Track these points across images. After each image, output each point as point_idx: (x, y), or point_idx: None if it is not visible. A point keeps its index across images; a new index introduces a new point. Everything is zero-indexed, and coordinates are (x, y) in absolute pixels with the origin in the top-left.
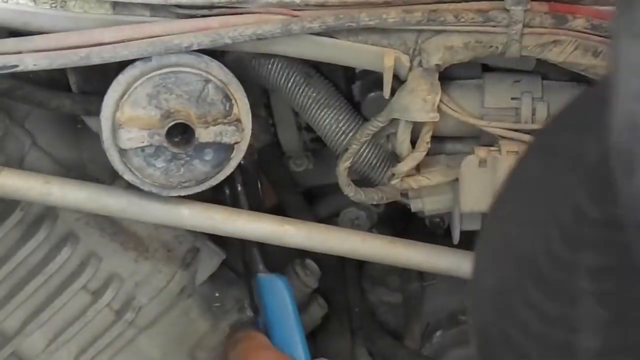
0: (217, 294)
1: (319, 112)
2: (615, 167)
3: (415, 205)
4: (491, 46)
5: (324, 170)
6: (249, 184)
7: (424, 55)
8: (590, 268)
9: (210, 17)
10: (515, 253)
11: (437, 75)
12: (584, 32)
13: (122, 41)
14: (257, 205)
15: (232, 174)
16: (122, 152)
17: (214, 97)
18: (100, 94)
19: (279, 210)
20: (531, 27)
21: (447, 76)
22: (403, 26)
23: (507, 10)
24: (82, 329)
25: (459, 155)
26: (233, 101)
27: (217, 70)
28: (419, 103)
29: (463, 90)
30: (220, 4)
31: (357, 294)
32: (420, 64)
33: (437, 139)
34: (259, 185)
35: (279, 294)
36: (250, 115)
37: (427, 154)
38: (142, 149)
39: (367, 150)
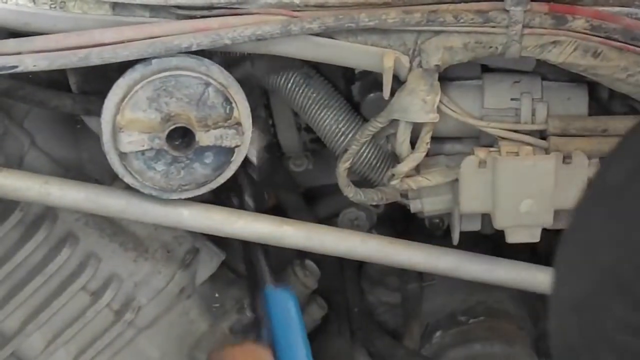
0: (216, 295)
1: (318, 112)
2: None
3: (414, 206)
4: (491, 47)
5: (324, 171)
6: (257, 195)
7: (424, 55)
8: None
9: (209, 18)
10: (599, 265)
11: (436, 76)
12: (584, 33)
13: (122, 42)
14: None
15: (240, 184)
16: (123, 155)
17: (214, 100)
18: (100, 94)
19: (278, 210)
20: (531, 27)
21: (446, 77)
22: (403, 27)
23: (507, 11)
24: (81, 330)
25: (458, 155)
26: (233, 104)
27: (218, 74)
28: (418, 104)
29: (462, 91)
30: (219, 5)
31: (356, 295)
32: (420, 65)
33: (436, 139)
34: (265, 197)
35: (287, 308)
36: (250, 119)
37: (427, 155)
38: (143, 152)
39: (366, 151)
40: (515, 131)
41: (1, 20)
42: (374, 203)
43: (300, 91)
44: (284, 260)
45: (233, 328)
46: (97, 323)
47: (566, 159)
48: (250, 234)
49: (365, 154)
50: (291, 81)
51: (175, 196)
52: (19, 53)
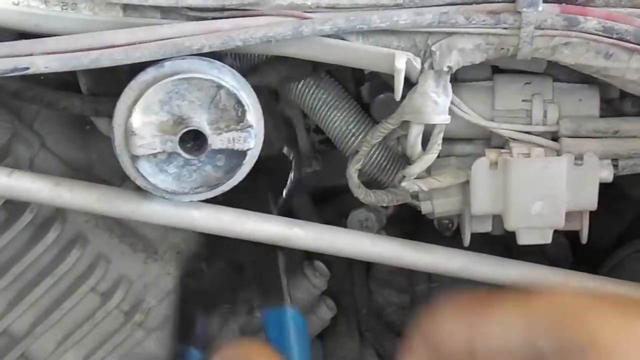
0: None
1: (328, 113)
2: None
3: (425, 207)
4: (502, 48)
5: (333, 172)
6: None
7: (435, 57)
8: None
9: (221, 20)
10: None
11: (448, 78)
12: (596, 34)
13: (134, 43)
14: None
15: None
16: (135, 158)
17: (226, 103)
18: (109, 95)
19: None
20: (542, 29)
21: (457, 78)
22: (414, 28)
23: (519, 13)
24: (91, 331)
25: (469, 157)
26: (245, 107)
27: (230, 76)
28: (430, 105)
29: (473, 93)
30: (231, 6)
31: (364, 296)
32: (431, 66)
33: (447, 140)
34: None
35: (299, 329)
36: (262, 121)
37: (438, 156)
38: (155, 155)
39: (377, 152)
40: (527, 132)
41: (12, 22)
42: (385, 204)
43: (310, 92)
44: (292, 261)
45: (243, 329)
46: (106, 324)
47: (577, 160)
48: (260, 235)
49: (375, 156)
50: (301, 82)
51: (187, 199)
52: (31, 54)
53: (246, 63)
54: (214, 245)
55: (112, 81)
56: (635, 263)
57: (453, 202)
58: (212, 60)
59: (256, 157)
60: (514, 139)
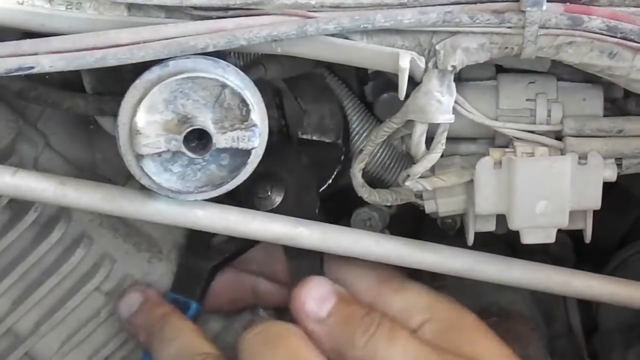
0: None
1: None
2: None
3: (429, 207)
4: (506, 47)
5: None
6: None
7: (439, 56)
8: None
9: (225, 19)
10: None
11: (452, 77)
12: (600, 34)
13: (138, 43)
14: None
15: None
16: (139, 157)
17: (230, 102)
18: (114, 94)
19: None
20: (547, 28)
21: (461, 77)
22: (418, 27)
23: (523, 12)
24: (95, 330)
25: (473, 156)
26: (250, 106)
27: (234, 75)
28: (434, 104)
29: (477, 92)
30: (235, 6)
31: None
32: (435, 66)
33: (451, 140)
34: None
35: None
36: (267, 121)
37: (442, 155)
38: (159, 154)
39: (380, 152)
40: (531, 132)
41: (17, 21)
42: (389, 204)
43: None
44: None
45: (246, 328)
46: (111, 323)
47: (582, 159)
48: (265, 234)
49: (379, 155)
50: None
51: (191, 198)
52: (36, 54)
53: (249, 61)
54: None
55: (117, 80)
56: (639, 263)
57: (457, 201)
58: (216, 59)
59: (260, 156)
60: (518, 138)
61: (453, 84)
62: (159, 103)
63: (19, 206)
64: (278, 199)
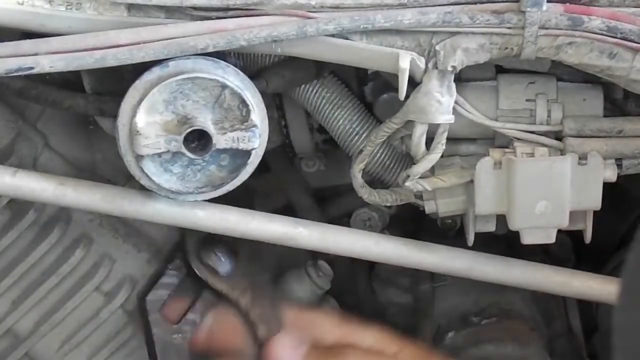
0: None
1: (332, 112)
2: None
3: (429, 207)
4: (506, 48)
5: (336, 172)
6: None
7: (439, 56)
8: None
9: (225, 19)
10: None
11: (452, 77)
12: (600, 34)
13: (138, 43)
14: None
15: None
16: (139, 157)
17: (230, 102)
18: (114, 94)
19: (288, 210)
20: (546, 28)
21: (461, 78)
22: (418, 28)
23: (523, 12)
24: (95, 330)
25: (473, 156)
26: (250, 107)
27: (234, 76)
28: (434, 105)
29: (477, 92)
30: (235, 6)
31: (367, 295)
32: (435, 66)
33: (451, 140)
34: None
35: None
36: (266, 121)
37: (442, 156)
38: (159, 154)
39: (380, 152)
40: (531, 132)
41: (17, 22)
42: (388, 204)
43: (314, 92)
44: (296, 260)
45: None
46: (111, 324)
47: (581, 160)
48: (265, 234)
49: (379, 155)
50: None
51: (191, 198)
52: (36, 54)
53: (249, 62)
54: None
55: (117, 81)
56: None
57: (457, 201)
58: (216, 60)
59: (260, 157)
60: (518, 139)
61: (453, 85)
62: (159, 104)
63: (18, 206)
64: None
